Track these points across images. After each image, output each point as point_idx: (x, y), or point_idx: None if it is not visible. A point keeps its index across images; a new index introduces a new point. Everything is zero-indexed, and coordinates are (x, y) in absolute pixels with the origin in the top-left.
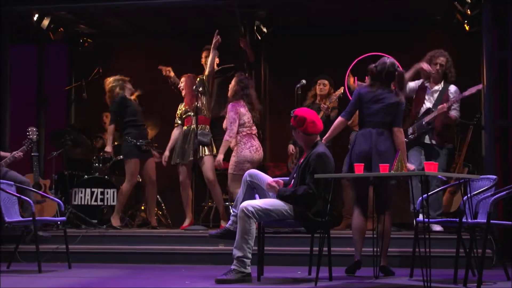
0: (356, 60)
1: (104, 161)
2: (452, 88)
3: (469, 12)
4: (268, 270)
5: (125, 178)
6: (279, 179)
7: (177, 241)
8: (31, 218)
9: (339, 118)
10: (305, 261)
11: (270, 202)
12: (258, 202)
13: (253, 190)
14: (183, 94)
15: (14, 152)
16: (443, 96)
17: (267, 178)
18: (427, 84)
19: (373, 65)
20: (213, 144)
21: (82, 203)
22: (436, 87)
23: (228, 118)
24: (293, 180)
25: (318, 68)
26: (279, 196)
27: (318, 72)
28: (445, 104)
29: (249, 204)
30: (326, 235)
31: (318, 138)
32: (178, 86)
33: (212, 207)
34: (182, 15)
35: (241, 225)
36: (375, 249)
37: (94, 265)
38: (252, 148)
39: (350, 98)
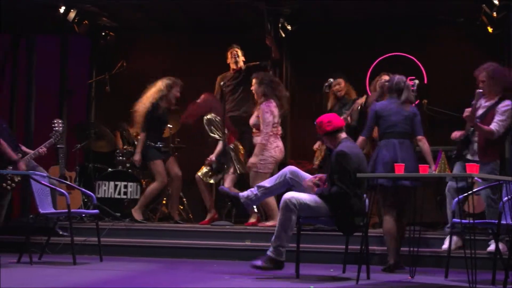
0: (378, 60)
1: (127, 155)
2: (504, 102)
3: (495, 15)
4: (301, 267)
5: (156, 179)
6: (321, 175)
7: (203, 236)
8: (66, 210)
9: (360, 138)
10: (336, 259)
11: (312, 198)
12: (301, 196)
13: (289, 186)
14: None
15: (38, 148)
16: (490, 111)
17: (307, 176)
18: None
19: (385, 81)
20: (237, 164)
21: (106, 196)
22: (488, 103)
23: (263, 119)
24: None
25: (339, 66)
26: (318, 195)
27: (339, 70)
28: (468, 109)
29: (292, 196)
30: (365, 234)
31: (343, 136)
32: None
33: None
34: (205, 11)
35: (283, 215)
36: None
37: (123, 258)
38: (277, 149)
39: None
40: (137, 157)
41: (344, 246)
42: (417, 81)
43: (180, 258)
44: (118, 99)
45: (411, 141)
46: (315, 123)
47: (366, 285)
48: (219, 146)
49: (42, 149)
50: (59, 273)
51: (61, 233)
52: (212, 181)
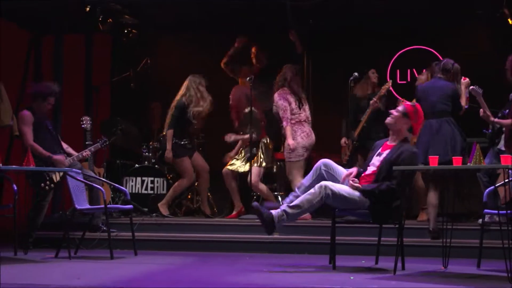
0: (398, 53)
1: (154, 150)
2: None
3: None
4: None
5: (183, 176)
6: (352, 171)
7: (232, 229)
8: (102, 206)
9: None
10: (365, 251)
11: (347, 190)
12: (338, 187)
13: (324, 179)
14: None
15: (82, 151)
16: None
17: (342, 170)
18: None
19: (434, 62)
20: (265, 157)
21: (133, 191)
22: None
23: (278, 106)
24: (370, 167)
25: (361, 62)
26: (363, 191)
27: (361, 66)
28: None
29: (330, 185)
30: (400, 226)
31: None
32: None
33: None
34: (226, 8)
35: (312, 195)
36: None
37: (156, 252)
38: (303, 134)
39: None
40: (169, 154)
41: (374, 238)
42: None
43: (212, 252)
44: (140, 95)
45: (452, 119)
46: (414, 102)
47: (403, 275)
48: (245, 137)
49: (87, 152)
50: (101, 267)
51: (103, 228)
52: (242, 169)
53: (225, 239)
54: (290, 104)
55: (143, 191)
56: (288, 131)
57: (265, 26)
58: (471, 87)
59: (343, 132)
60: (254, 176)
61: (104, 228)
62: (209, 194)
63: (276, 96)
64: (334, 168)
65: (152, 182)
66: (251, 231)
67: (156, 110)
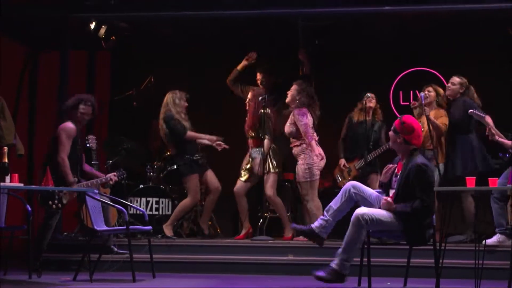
0: (401, 75)
1: (158, 171)
2: None
3: None
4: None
5: (188, 194)
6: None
7: (245, 251)
8: (124, 227)
9: None
10: (391, 272)
11: (382, 213)
12: (372, 212)
13: (353, 201)
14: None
15: (108, 175)
16: None
17: (370, 190)
18: None
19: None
20: (275, 162)
21: (138, 212)
22: None
23: (300, 124)
24: (392, 190)
25: (363, 82)
26: (397, 212)
27: (365, 86)
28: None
29: (365, 212)
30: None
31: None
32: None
33: (267, 217)
34: (236, 26)
35: (353, 230)
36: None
37: (170, 274)
38: (319, 155)
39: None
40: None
41: (403, 260)
42: (423, 94)
43: (228, 274)
44: (142, 114)
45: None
46: (401, 118)
47: None
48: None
49: (104, 180)
50: None
51: (116, 250)
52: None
53: (239, 260)
54: (309, 122)
55: (148, 212)
56: (313, 145)
57: (275, 44)
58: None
59: (343, 154)
60: (270, 187)
61: (117, 250)
62: (212, 215)
63: (297, 112)
64: (363, 189)
65: (157, 202)
66: (264, 252)
67: (156, 127)
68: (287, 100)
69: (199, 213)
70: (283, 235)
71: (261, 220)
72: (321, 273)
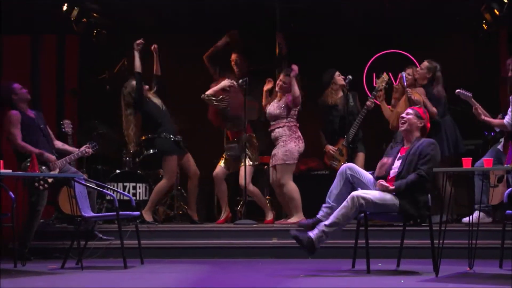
0: (374, 57)
1: (134, 156)
2: None
3: (497, 13)
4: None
5: (164, 176)
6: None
7: (230, 235)
8: (113, 213)
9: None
10: (385, 254)
11: (379, 196)
12: (369, 195)
13: (350, 183)
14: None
15: (73, 154)
16: None
17: (366, 173)
18: None
19: None
20: (253, 155)
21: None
22: None
23: (293, 92)
24: (393, 171)
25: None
26: (397, 191)
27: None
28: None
29: (361, 195)
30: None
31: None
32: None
33: (246, 201)
34: (212, 10)
35: (346, 209)
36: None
37: (158, 260)
38: (299, 140)
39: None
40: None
41: (396, 241)
42: (404, 73)
43: (215, 258)
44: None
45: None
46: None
47: (445, 278)
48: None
49: (80, 153)
50: (125, 277)
51: (100, 236)
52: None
53: (225, 245)
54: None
55: (125, 198)
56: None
57: (252, 27)
58: (457, 90)
59: (324, 141)
60: (247, 177)
61: (101, 236)
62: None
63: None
64: (358, 171)
65: (134, 188)
66: (248, 236)
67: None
68: (277, 88)
69: (176, 198)
70: (264, 219)
71: (241, 203)
72: (302, 236)
